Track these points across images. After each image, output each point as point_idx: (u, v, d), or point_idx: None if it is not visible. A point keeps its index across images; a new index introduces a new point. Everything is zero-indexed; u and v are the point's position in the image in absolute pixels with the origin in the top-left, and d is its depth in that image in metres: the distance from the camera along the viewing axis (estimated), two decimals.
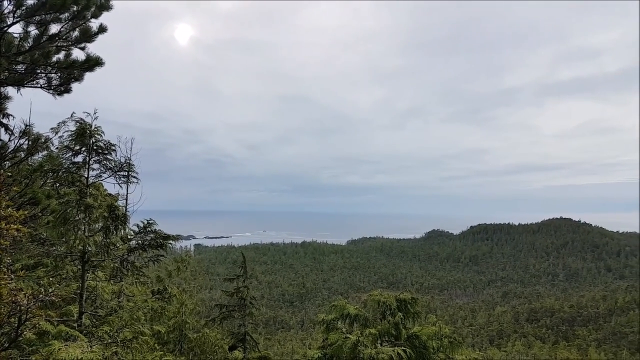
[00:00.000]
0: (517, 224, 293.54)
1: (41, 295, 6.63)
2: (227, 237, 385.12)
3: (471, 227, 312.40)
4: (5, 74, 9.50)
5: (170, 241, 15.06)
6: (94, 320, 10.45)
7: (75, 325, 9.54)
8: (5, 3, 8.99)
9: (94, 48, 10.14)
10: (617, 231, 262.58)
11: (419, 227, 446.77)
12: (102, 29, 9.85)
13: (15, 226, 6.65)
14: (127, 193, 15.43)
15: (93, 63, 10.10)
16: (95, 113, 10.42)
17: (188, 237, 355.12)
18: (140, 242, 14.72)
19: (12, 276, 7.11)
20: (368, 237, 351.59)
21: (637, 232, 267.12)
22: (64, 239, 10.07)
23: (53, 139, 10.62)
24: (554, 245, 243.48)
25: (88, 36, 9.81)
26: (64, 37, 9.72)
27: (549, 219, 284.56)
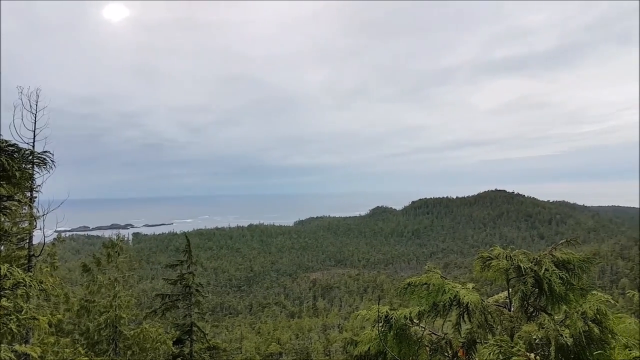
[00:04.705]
0: (454, 197, 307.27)
1: None
2: (168, 225, 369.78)
3: (412, 202, 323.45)
4: None
5: None
6: None
7: None
8: None
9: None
10: (548, 200, 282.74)
11: (364, 204, 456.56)
12: None
13: None
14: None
15: None
16: None
17: (125, 226, 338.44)
18: None
19: None
20: (315, 216, 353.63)
21: (566, 201, 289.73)
22: None
23: None
24: (490, 216, 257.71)
25: None
26: None
27: (485, 192, 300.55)
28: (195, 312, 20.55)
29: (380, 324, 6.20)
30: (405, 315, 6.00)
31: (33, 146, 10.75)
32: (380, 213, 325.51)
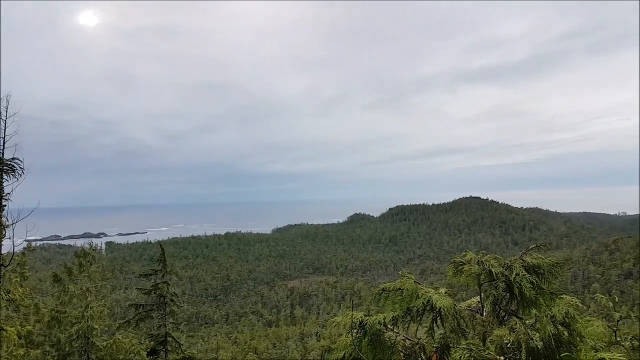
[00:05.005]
0: (431, 204, 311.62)
1: None
2: (142, 233, 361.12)
3: (390, 209, 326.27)
4: None
5: None
6: None
7: None
8: None
9: None
10: (522, 207, 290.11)
11: (342, 211, 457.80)
12: None
13: None
14: None
15: None
16: None
17: (98, 235, 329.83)
18: None
19: None
20: (293, 224, 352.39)
21: (539, 208, 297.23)
22: None
23: None
24: (465, 222, 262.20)
25: None
26: None
27: (460, 198, 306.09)
28: (170, 322, 20.22)
29: (355, 330, 6.23)
30: (379, 321, 6.04)
31: (2, 153, 10.47)
32: (358, 220, 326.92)
